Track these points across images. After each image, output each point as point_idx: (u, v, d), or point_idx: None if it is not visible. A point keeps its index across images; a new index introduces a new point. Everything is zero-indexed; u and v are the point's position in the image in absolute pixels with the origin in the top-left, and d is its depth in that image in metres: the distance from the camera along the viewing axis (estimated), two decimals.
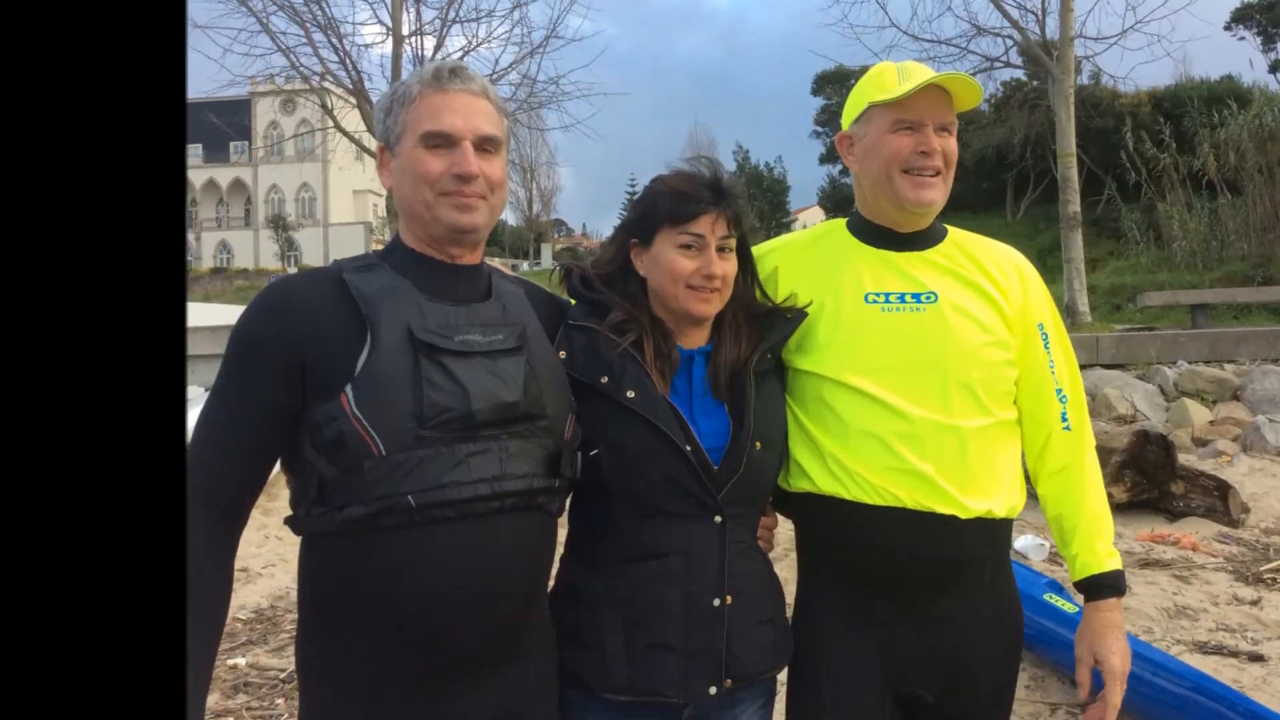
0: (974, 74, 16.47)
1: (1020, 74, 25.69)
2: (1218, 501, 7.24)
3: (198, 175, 77.41)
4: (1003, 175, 30.28)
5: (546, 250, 57.79)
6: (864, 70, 2.47)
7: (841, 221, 2.49)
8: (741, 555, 2.15)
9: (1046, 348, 2.35)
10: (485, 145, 1.96)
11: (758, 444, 2.15)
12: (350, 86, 18.15)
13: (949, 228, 2.43)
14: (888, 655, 2.24)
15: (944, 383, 2.21)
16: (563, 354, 2.12)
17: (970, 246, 2.39)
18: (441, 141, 1.93)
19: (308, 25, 17.58)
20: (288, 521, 1.94)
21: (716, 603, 2.09)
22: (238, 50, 17.54)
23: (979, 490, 2.20)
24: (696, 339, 2.24)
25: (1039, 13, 17.35)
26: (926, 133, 2.27)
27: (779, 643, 2.23)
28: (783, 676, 2.32)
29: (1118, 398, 10.49)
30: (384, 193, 3.09)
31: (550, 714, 2.08)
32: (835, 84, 36.88)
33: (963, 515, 2.17)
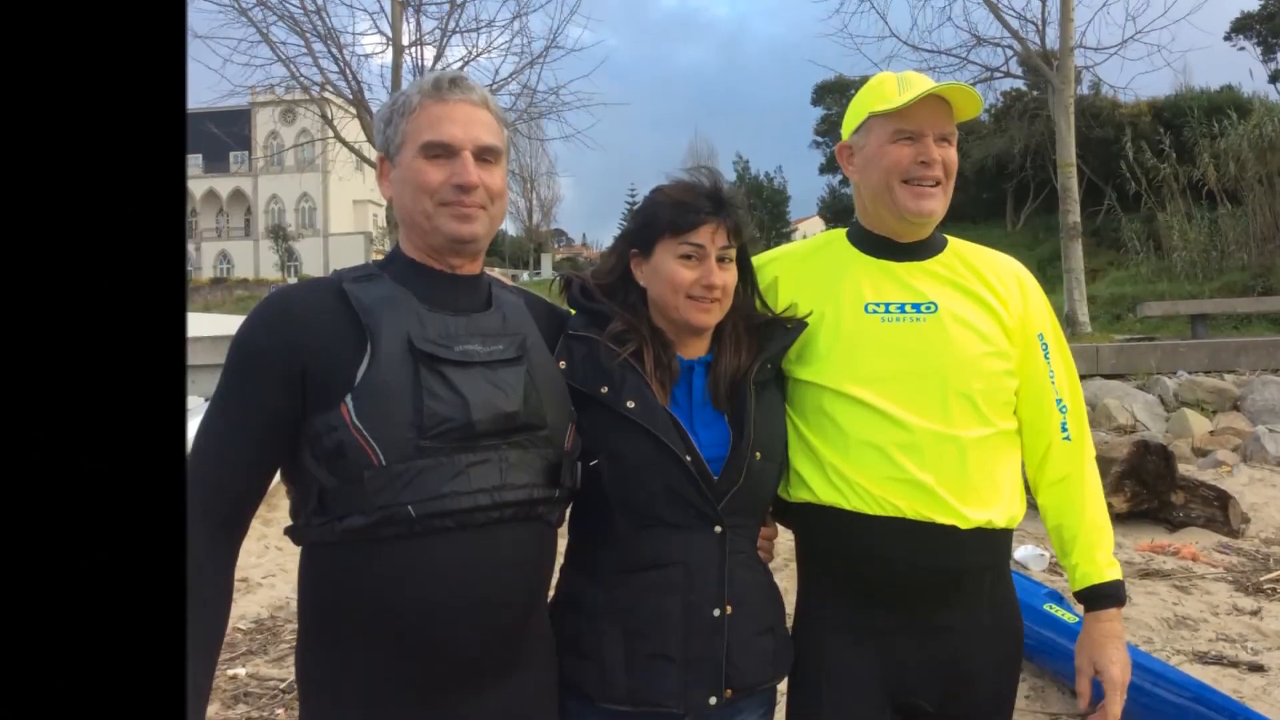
0: (974, 84, 16.52)
1: (1020, 84, 25.70)
2: (1218, 512, 7.23)
3: (198, 185, 77.62)
4: (1003, 185, 30.28)
5: (546, 260, 57.80)
6: (864, 80, 2.47)
7: (841, 231, 2.49)
8: (741, 565, 2.15)
9: (1046, 358, 2.35)
10: (485, 155, 1.97)
11: (758, 454, 2.14)
12: (350, 96, 18.15)
13: (949, 238, 2.43)
14: (888, 665, 2.24)
15: (944, 393, 2.21)
16: (563, 364, 2.13)
17: (970, 256, 2.39)
18: (441, 152, 1.93)
19: (308, 35, 17.61)
20: (288, 531, 1.94)
21: (716, 613, 2.09)
22: (238, 60, 17.57)
23: (979, 500, 2.20)
24: (696, 349, 2.24)
25: (1039, 23, 17.36)
26: (926, 143, 2.27)
27: (779, 653, 2.23)
28: (782, 686, 2.32)
29: (1118, 408, 10.49)
30: (384, 203, 3.10)
31: None
32: (835, 94, 36.89)
33: (963, 525, 2.17)
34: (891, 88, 2.30)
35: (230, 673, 5.00)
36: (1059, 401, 2.34)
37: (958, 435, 2.19)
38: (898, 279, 2.32)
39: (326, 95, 18.93)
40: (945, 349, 2.23)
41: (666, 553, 2.09)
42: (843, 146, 2.44)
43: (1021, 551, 6.32)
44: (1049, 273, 18.73)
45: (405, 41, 17.93)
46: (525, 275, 51.96)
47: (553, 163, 59.62)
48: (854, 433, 2.21)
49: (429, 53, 18.34)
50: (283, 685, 4.85)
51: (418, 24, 18.29)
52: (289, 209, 78.60)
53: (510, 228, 60.94)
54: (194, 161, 75.23)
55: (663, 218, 2.18)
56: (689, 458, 2.07)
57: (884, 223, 2.36)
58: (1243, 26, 35.04)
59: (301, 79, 18.30)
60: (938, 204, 2.30)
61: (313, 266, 69.90)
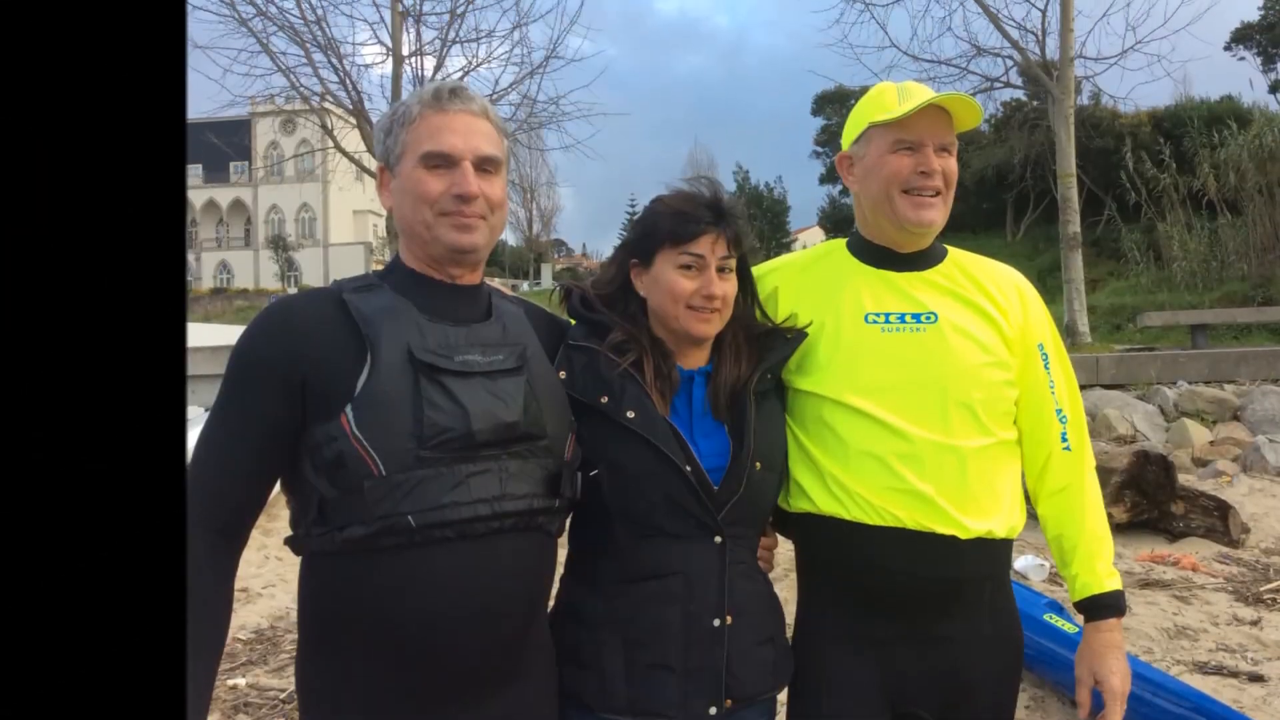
0: (974, 94, 16.45)
1: (1020, 94, 25.75)
2: (1218, 522, 7.22)
3: (198, 195, 77.61)
4: (1003, 195, 30.28)
5: (546, 270, 57.78)
6: (864, 90, 2.48)
7: (841, 242, 2.50)
8: (741, 575, 2.15)
9: (1046, 368, 2.35)
10: (485, 165, 1.97)
11: (758, 464, 2.14)
12: (350, 107, 18.15)
13: (949, 248, 2.44)
14: (888, 674, 2.24)
15: (944, 403, 2.21)
16: (563, 374, 2.13)
17: (970, 267, 2.39)
18: (441, 162, 1.93)
19: (308, 45, 17.59)
20: (288, 542, 1.94)
21: (716, 623, 2.09)
22: (238, 70, 17.56)
23: (979, 510, 2.20)
24: (696, 359, 2.24)
25: (1039, 33, 17.37)
26: (926, 153, 2.27)
27: (779, 662, 2.23)
28: (782, 696, 2.31)
29: (1118, 418, 10.48)
30: (384, 213, 3.10)
31: None
32: (835, 104, 36.92)
33: (963, 535, 2.17)
34: (891, 98, 2.31)
35: (230, 683, 5.00)
36: (1059, 412, 2.34)
37: (958, 445, 2.19)
38: (898, 289, 2.32)
39: (326, 105, 18.93)
40: (945, 359, 2.23)
41: (666, 563, 2.09)
42: (843, 156, 2.44)
43: (1022, 562, 6.31)
44: (1049, 283, 18.74)
45: (405, 52, 17.94)
46: (525, 285, 51.94)
47: (553, 173, 59.70)
48: (854, 443, 2.21)
49: (429, 63, 18.36)
50: (283, 695, 4.84)
51: (418, 34, 18.30)
52: (289, 219, 78.54)
53: (510, 238, 60.99)
54: (194, 171, 75.27)
55: (663, 228, 2.18)
56: (689, 468, 2.07)
57: (884, 233, 2.36)
58: (1243, 37, 35.06)
59: (301, 89, 18.31)
60: (938, 214, 2.30)
61: (313, 277, 69.92)
